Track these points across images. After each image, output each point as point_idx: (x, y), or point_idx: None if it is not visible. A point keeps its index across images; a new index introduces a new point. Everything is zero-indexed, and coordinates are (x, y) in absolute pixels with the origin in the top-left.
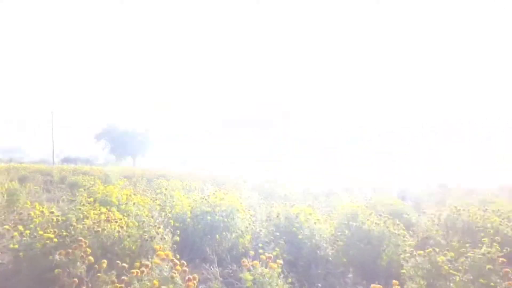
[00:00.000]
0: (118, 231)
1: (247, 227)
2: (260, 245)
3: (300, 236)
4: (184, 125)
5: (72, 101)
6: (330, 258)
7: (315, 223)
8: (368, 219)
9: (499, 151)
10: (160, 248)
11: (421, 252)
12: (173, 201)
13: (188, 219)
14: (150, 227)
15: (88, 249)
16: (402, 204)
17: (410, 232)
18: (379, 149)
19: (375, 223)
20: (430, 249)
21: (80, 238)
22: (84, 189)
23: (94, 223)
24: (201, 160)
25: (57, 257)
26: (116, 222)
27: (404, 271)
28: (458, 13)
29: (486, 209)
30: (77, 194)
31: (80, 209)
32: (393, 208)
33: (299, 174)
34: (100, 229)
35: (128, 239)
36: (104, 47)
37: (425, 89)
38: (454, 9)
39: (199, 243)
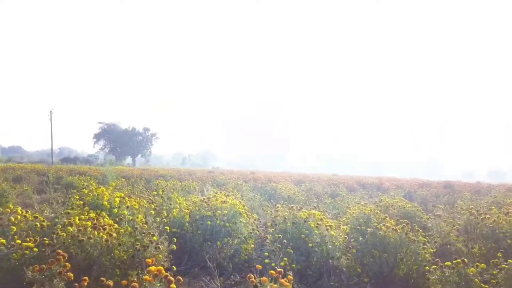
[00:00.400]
0: (107, 240)
1: (250, 232)
2: (266, 253)
3: (310, 244)
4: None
5: (72, 102)
6: (344, 269)
7: (327, 229)
8: (383, 224)
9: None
10: (152, 261)
11: (449, 263)
12: (171, 204)
13: (187, 224)
14: (144, 234)
15: (67, 263)
16: (413, 207)
17: (427, 237)
18: (381, 149)
19: (392, 228)
20: (459, 260)
21: (59, 250)
22: (77, 191)
23: (79, 230)
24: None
25: (29, 273)
26: (105, 229)
27: None
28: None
29: (508, 212)
30: (69, 196)
31: (68, 213)
32: (404, 211)
33: (300, 174)
34: (85, 237)
35: (118, 248)
36: (105, 47)
37: (428, 89)
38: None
39: (198, 250)
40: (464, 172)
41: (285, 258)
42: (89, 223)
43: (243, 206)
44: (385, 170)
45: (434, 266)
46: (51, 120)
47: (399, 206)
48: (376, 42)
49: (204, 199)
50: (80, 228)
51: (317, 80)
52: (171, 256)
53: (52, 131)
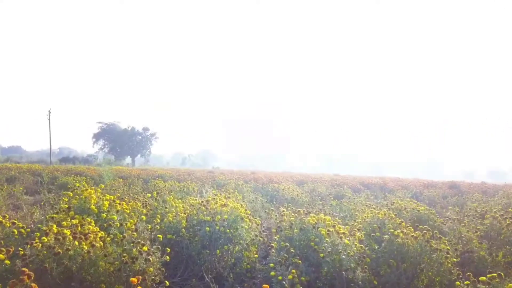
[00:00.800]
0: (89, 251)
1: (253, 239)
2: (271, 265)
3: (322, 254)
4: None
5: (72, 101)
6: (360, 282)
7: (341, 237)
8: (401, 231)
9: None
10: (137, 280)
11: (484, 278)
12: (166, 208)
13: (183, 230)
14: (133, 243)
15: (34, 284)
16: (427, 209)
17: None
18: (381, 149)
19: (411, 235)
20: (495, 274)
21: (24, 268)
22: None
23: (56, 240)
24: None
25: None
26: (87, 238)
27: None
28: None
29: None
30: (59, 198)
31: (53, 218)
32: (418, 214)
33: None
34: (62, 249)
35: (104, 259)
36: (105, 46)
37: (428, 89)
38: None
39: (195, 258)
40: (464, 172)
41: (293, 270)
42: (67, 231)
43: (245, 210)
44: (385, 170)
45: (467, 282)
46: (49, 119)
47: (412, 209)
48: (376, 42)
49: (202, 202)
50: (59, 237)
51: (317, 80)
52: (163, 269)
53: (50, 131)
